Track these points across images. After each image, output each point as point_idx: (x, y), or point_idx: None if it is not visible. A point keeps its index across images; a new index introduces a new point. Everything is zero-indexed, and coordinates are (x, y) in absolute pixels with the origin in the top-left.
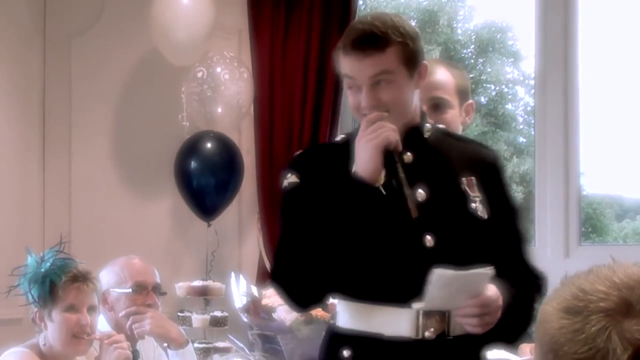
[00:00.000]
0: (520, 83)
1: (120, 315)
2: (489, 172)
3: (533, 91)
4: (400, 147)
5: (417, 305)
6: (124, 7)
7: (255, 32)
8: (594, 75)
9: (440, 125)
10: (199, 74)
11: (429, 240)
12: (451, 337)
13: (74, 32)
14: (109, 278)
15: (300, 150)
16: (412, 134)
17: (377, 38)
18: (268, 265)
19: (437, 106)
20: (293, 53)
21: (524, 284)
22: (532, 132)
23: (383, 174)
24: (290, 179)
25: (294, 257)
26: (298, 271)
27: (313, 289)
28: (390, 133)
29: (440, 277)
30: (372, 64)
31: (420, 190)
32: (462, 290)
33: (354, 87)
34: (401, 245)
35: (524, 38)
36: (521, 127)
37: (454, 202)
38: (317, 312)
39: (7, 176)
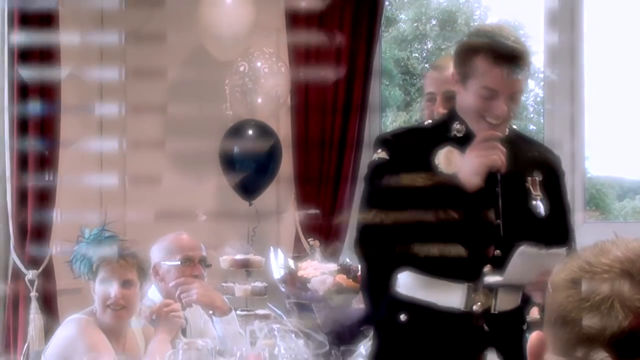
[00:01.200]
0: (530, 76)
1: (170, 285)
2: (551, 175)
3: (542, 83)
4: (503, 170)
5: (491, 279)
6: (174, 8)
7: (291, 30)
8: (598, 70)
9: (514, 126)
10: (241, 68)
11: None
12: (496, 312)
13: (130, 29)
14: (160, 252)
15: (394, 130)
16: None
17: (525, 61)
18: (303, 241)
19: (450, 99)
20: (325, 49)
21: None
22: (542, 121)
23: None
24: (381, 154)
25: (377, 231)
26: (378, 243)
27: (388, 261)
28: (500, 157)
29: (523, 253)
30: (517, 82)
31: None
32: (536, 267)
33: (488, 94)
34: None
35: (535, 35)
36: (531, 116)
37: (518, 198)
38: (347, 282)
39: (69, 163)
